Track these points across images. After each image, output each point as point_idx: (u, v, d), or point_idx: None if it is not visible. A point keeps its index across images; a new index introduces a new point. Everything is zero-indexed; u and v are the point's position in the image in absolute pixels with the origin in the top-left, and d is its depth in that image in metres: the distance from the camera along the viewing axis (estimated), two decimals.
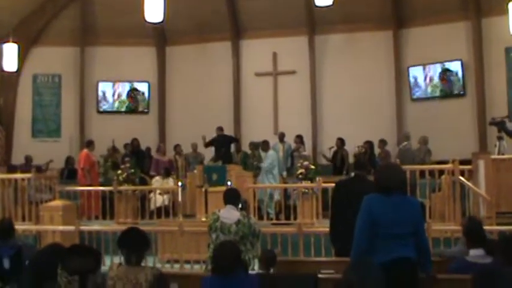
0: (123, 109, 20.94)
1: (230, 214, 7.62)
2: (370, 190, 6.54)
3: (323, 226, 10.57)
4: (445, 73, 18.38)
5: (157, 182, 16.47)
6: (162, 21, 13.53)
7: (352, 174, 8.03)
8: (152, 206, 15.25)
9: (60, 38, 20.07)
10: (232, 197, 7.85)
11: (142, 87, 20.95)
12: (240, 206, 8.00)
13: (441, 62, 18.33)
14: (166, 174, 16.54)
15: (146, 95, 20.92)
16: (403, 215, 5.48)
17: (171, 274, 6.40)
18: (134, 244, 5.39)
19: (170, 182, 16.12)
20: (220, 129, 18.10)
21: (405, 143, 14.82)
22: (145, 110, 21.00)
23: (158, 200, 15.46)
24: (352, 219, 5.86)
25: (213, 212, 8.06)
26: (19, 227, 10.30)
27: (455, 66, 18.19)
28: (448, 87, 18.43)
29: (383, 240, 5.43)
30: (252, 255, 7.62)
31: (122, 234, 5.51)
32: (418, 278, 5.52)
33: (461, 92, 18.19)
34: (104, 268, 5.32)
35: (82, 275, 3.67)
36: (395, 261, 5.30)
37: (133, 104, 20.97)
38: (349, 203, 7.17)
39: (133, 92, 20.88)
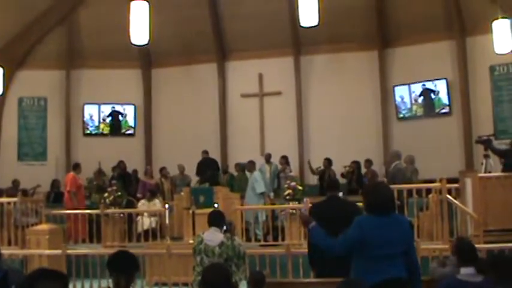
0: (106, 132, 20.84)
1: (214, 236, 7.58)
2: (346, 210, 6.52)
3: None
4: (429, 92, 18.47)
5: (143, 205, 16.31)
6: (147, 44, 13.55)
7: (327, 195, 7.83)
8: (139, 229, 15.15)
9: (46, 61, 20.01)
10: (216, 219, 7.81)
11: (128, 109, 20.88)
12: (224, 228, 7.95)
13: (426, 81, 18.41)
14: (152, 195, 16.42)
15: (131, 117, 20.85)
16: (394, 235, 5.44)
17: None
18: (124, 267, 5.32)
19: (157, 204, 16.03)
20: (205, 152, 18.17)
21: (397, 162, 14.72)
22: (130, 132, 20.91)
23: (145, 222, 15.35)
24: None
25: (197, 235, 8.02)
26: (5, 251, 10.17)
27: (440, 85, 18.29)
28: (432, 106, 18.53)
29: (374, 261, 5.38)
30: (239, 277, 7.57)
31: (111, 257, 5.45)
32: None
33: (447, 111, 18.26)
34: None
35: None
36: (386, 282, 5.25)
37: (116, 127, 20.88)
38: (326, 226, 7.11)
39: (115, 114, 20.77)
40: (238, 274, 7.53)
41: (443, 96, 18.40)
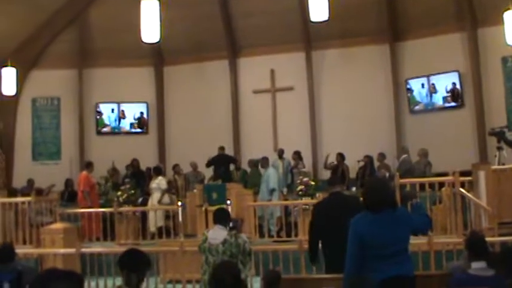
0: (122, 130, 20.91)
1: (217, 234, 7.58)
2: (348, 205, 6.49)
3: None
4: (440, 85, 18.43)
5: (152, 183, 16.04)
6: (158, 41, 13.60)
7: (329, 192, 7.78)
8: (152, 228, 15.17)
9: (58, 61, 20.09)
10: (220, 217, 7.81)
11: (141, 107, 20.93)
12: (231, 225, 7.94)
13: (438, 74, 18.31)
14: (157, 174, 16.23)
15: (144, 115, 20.91)
16: (393, 233, 5.37)
17: None
18: (135, 264, 5.36)
19: (161, 181, 15.89)
20: (221, 148, 18.07)
21: (404, 155, 14.81)
22: (144, 131, 20.96)
23: (158, 220, 15.29)
24: (333, 239, 5.77)
25: (203, 233, 8.03)
26: (20, 250, 10.24)
27: (452, 78, 18.20)
28: (446, 99, 18.47)
29: (376, 260, 5.31)
30: (245, 275, 7.57)
31: (122, 255, 5.49)
32: None
33: (460, 103, 18.17)
34: None
35: None
36: (391, 280, 5.18)
37: (131, 125, 20.98)
38: (329, 223, 7.11)
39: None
40: (244, 271, 7.53)
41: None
